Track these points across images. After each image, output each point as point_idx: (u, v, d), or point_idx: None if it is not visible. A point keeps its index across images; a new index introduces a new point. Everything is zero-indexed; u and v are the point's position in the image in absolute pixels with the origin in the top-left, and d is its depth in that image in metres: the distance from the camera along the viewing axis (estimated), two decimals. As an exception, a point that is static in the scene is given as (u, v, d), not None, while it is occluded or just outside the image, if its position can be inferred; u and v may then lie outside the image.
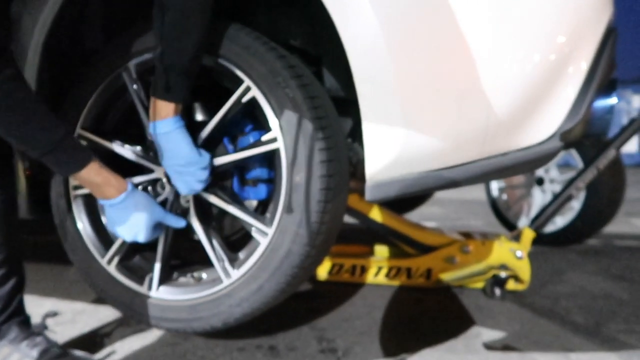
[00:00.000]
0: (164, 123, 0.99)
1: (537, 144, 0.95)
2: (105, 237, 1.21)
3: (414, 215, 2.89)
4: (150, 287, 1.14)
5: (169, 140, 1.00)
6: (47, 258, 2.19)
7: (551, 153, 0.93)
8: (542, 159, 0.93)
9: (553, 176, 2.47)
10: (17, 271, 1.11)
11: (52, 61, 1.20)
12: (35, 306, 1.54)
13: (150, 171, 1.15)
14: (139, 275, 1.17)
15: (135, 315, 1.16)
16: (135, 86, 1.11)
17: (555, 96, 0.98)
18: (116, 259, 1.17)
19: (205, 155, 1.03)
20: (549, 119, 0.97)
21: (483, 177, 0.95)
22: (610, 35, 1.12)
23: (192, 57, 0.97)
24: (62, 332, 1.32)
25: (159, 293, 1.14)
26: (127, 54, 1.11)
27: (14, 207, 1.13)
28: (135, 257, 1.21)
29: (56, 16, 1.14)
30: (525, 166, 0.95)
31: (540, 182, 2.50)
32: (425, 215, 3.41)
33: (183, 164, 1.00)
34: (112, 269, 1.18)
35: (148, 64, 1.09)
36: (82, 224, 1.20)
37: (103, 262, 1.18)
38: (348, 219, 1.76)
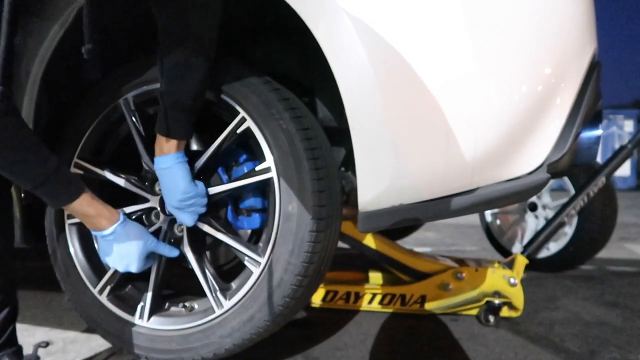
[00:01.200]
0: (165, 159, 1.01)
1: (524, 175, 0.97)
2: (97, 266, 1.21)
3: (408, 240, 2.90)
4: (141, 317, 1.14)
5: (168, 175, 1.02)
6: (39, 286, 2.17)
7: (539, 184, 0.94)
8: (530, 190, 0.95)
9: (546, 202, 2.50)
10: (11, 301, 1.11)
11: (50, 93, 1.22)
12: (27, 335, 1.52)
13: (146, 200, 1.16)
14: (130, 304, 1.17)
15: (124, 345, 1.16)
16: (133, 117, 1.14)
17: (542, 128, 1.00)
18: (108, 289, 1.18)
19: (201, 186, 1.05)
20: (536, 151, 0.99)
21: (472, 208, 0.97)
22: (594, 67, 1.16)
23: (196, 95, 0.99)
24: (53, 362, 1.31)
25: (150, 323, 1.13)
26: (126, 86, 1.13)
27: (10, 236, 1.13)
28: (127, 286, 1.22)
29: (55, 49, 1.16)
30: (513, 197, 0.96)
31: (533, 207, 2.52)
32: (420, 241, 3.41)
33: (181, 198, 1.02)
34: (103, 299, 1.18)
35: (146, 96, 1.12)
36: (75, 253, 1.20)
37: (95, 291, 1.18)
38: (342, 245, 1.76)
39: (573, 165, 1.20)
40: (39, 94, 1.18)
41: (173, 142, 1.01)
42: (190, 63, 0.95)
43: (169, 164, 1.01)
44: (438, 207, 0.96)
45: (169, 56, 0.95)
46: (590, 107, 1.15)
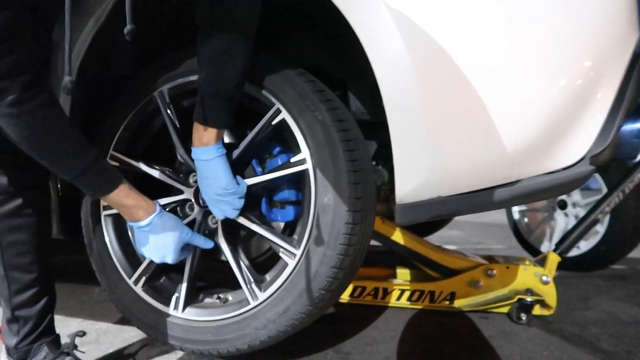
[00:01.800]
0: (206, 150, 1.01)
1: (566, 167, 0.94)
2: (132, 257, 1.22)
3: (433, 239, 2.87)
4: (176, 308, 1.15)
5: (209, 168, 1.02)
6: (69, 278, 2.21)
7: (582, 177, 0.92)
8: (574, 183, 0.93)
9: (576, 200, 2.44)
10: (49, 291, 1.13)
11: (84, 87, 1.24)
12: (61, 326, 1.54)
13: (180, 192, 1.16)
14: (165, 295, 1.18)
15: (160, 336, 1.17)
16: (168, 109, 1.14)
17: (584, 120, 0.97)
18: (143, 279, 1.19)
19: (243, 185, 1.04)
20: (578, 143, 0.97)
21: (512, 201, 0.95)
22: (637, 59, 1.13)
23: (238, 84, 0.99)
24: (87, 352, 1.33)
25: (185, 314, 1.14)
26: (161, 79, 1.14)
27: (48, 228, 1.15)
28: (161, 277, 1.23)
29: (90, 44, 1.18)
30: (556, 190, 0.94)
31: (562, 205, 2.47)
32: (445, 239, 3.38)
33: (220, 192, 1.02)
34: (138, 289, 1.19)
35: (181, 88, 1.13)
36: (111, 244, 1.22)
37: (130, 282, 1.19)
38: (370, 241, 1.75)
39: (614, 159, 1.17)
40: (75, 88, 1.20)
41: (213, 132, 1.00)
42: (232, 50, 0.95)
43: (210, 156, 1.01)
44: (477, 200, 0.95)
45: (211, 43, 0.94)
46: (633, 99, 1.12)
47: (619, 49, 1.04)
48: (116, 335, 1.47)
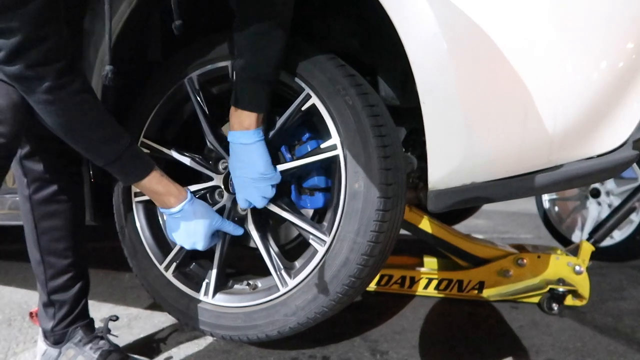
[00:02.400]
0: (246, 135, 1.00)
1: (608, 152, 0.91)
2: (163, 243, 1.24)
3: (459, 228, 2.83)
4: (206, 294, 1.16)
5: (248, 153, 1.01)
6: (103, 264, 2.26)
7: (626, 161, 0.89)
8: (617, 168, 0.89)
9: (609, 188, 2.37)
10: (83, 275, 1.15)
11: (116, 72, 1.24)
12: (94, 311, 1.57)
13: (209, 179, 1.17)
14: (195, 281, 1.19)
15: (190, 321, 1.18)
16: (197, 96, 1.14)
17: (626, 103, 0.94)
18: (174, 265, 1.20)
19: (278, 173, 1.03)
20: (620, 127, 0.93)
21: (550, 187, 0.92)
22: (682, 40, 1.07)
23: (277, 67, 0.99)
24: (119, 337, 1.35)
25: (215, 300, 1.15)
26: (191, 65, 1.14)
27: (82, 214, 1.17)
28: (191, 263, 1.23)
29: (121, 30, 1.18)
30: (596, 176, 0.91)
31: (595, 194, 2.40)
32: (471, 228, 3.33)
33: (256, 177, 1.01)
34: (169, 275, 1.20)
35: (210, 75, 1.13)
36: (142, 230, 1.23)
37: (161, 268, 1.20)
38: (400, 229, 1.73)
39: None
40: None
41: (253, 116, 1.00)
42: (273, 33, 0.94)
43: (251, 140, 1.00)
44: (514, 186, 0.92)
45: (250, 28, 0.93)
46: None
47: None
48: (147, 321, 1.50)
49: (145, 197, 1.19)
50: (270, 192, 1.03)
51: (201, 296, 1.15)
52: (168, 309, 1.21)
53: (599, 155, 0.90)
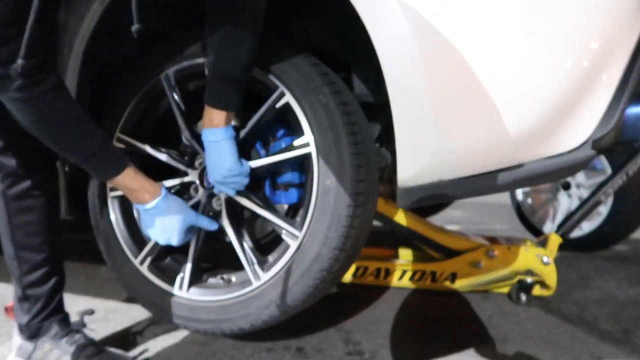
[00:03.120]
0: (215, 132, 1.02)
1: (568, 151, 0.95)
2: (138, 238, 1.24)
3: (437, 219, 2.88)
4: (180, 287, 1.17)
5: (216, 150, 1.03)
6: (80, 257, 2.25)
7: (584, 161, 0.92)
8: (575, 167, 0.93)
9: (580, 181, 2.44)
10: (58, 270, 1.16)
11: (91, 69, 1.24)
12: (71, 304, 1.57)
13: (185, 174, 1.18)
14: (170, 275, 1.20)
15: (165, 314, 1.19)
16: (173, 92, 1.15)
17: (587, 103, 0.97)
18: (148, 260, 1.21)
19: (246, 165, 1.06)
20: (581, 127, 0.97)
21: (514, 185, 0.96)
22: (643, 41, 1.12)
23: (246, 66, 1.00)
24: (96, 330, 1.36)
25: (189, 294, 1.16)
26: (167, 62, 1.15)
27: (57, 208, 1.17)
28: (166, 258, 1.24)
29: (96, 26, 1.18)
30: (557, 174, 0.95)
31: (566, 186, 2.47)
32: (448, 219, 3.39)
33: (225, 174, 1.03)
34: (144, 269, 1.21)
35: (186, 71, 1.13)
36: (117, 225, 1.24)
37: (136, 262, 1.21)
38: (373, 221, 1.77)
39: (617, 142, 1.17)
40: (81, 70, 1.20)
41: (222, 115, 1.01)
42: (241, 33, 0.95)
43: (218, 138, 1.02)
44: (479, 183, 0.95)
45: (219, 26, 0.94)
46: (638, 82, 1.11)
47: (625, 31, 1.03)
48: (124, 314, 1.51)
49: (121, 192, 1.20)
50: (245, 181, 1.05)
51: (175, 290, 1.17)
52: (142, 303, 1.22)
53: (559, 154, 0.94)
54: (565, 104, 0.95)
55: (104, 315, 1.50)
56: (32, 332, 1.13)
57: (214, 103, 1.01)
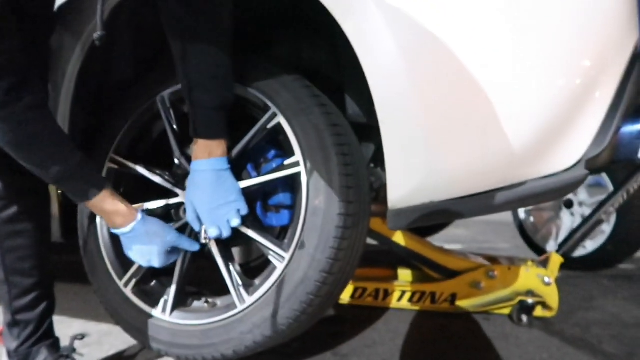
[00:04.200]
0: (220, 161, 1.03)
1: (562, 171, 0.93)
2: (124, 260, 1.22)
3: (439, 238, 2.86)
4: (164, 311, 1.14)
5: (222, 177, 1.03)
6: (75, 279, 2.24)
7: (577, 181, 0.91)
8: (568, 187, 0.92)
9: (582, 199, 2.42)
10: (48, 295, 1.15)
11: (85, 91, 1.25)
12: (64, 327, 1.57)
13: (176, 195, 1.17)
14: (154, 299, 1.18)
15: (146, 340, 1.16)
16: (168, 115, 1.16)
17: (581, 122, 0.96)
18: (133, 282, 1.19)
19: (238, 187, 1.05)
20: (574, 146, 0.95)
21: (506, 206, 0.94)
22: (637, 59, 1.11)
23: (219, 94, 1.00)
24: (89, 354, 1.34)
25: (172, 317, 1.13)
26: (163, 84, 1.15)
27: (48, 232, 1.17)
28: (152, 280, 1.22)
29: (89, 49, 1.19)
30: (550, 194, 0.93)
31: (569, 204, 2.45)
32: (451, 238, 3.36)
33: (236, 198, 1.03)
34: (128, 292, 1.19)
35: (181, 94, 1.14)
36: (104, 246, 1.22)
37: (120, 284, 1.19)
38: (371, 242, 1.75)
39: (613, 161, 1.16)
40: (75, 93, 1.21)
41: (223, 143, 1.02)
42: (229, 58, 0.96)
43: (224, 166, 1.02)
44: (471, 205, 0.94)
45: (207, 58, 0.95)
46: (632, 100, 1.10)
47: (618, 49, 1.02)
48: (117, 337, 1.49)
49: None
50: (238, 216, 1.02)
51: (158, 313, 1.14)
52: (124, 326, 1.19)
53: (553, 174, 0.93)
54: (558, 123, 0.94)
55: (98, 338, 1.48)
56: (20, 358, 1.11)
57: (215, 135, 1.01)
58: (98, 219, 1.23)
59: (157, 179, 1.18)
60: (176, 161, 1.17)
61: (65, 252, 2.69)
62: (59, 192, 1.26)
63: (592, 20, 0.97)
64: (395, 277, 1.86)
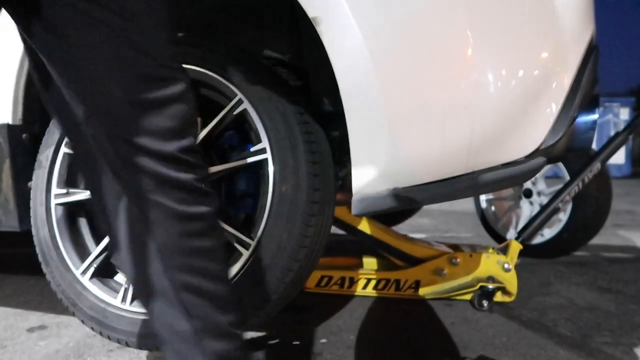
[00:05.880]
0: None
1: (520, 159, 0.96)
2: (81, 248, 1.20)
3: (403, 227, 2.90)
4: (124, 300, 1.12)
5: None
6: (31, 271, 2.16)
7: (534, 168, 0.94)
8: (526, 174, 0.94)
9: (541, 188, 2.50)
10: None
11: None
12: (20, 320, 1.52)
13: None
14: (113, 288, 1.15)
15: (104, 330, 1.13)
16: None
17: (538, 112, 0.99)
18: (91, 270, 1.16)
19: None
20: (532, 135, 0.98)
21: (467, 192, 0.96)
22: (592, 51, 1.15)
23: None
24: (47, 345, 1.31)
25: (133, 306, 1.11)
26: None
27: None
28: (110, 268, 1.19)
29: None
30: (508, 181, 0.96)
31: (528, 194, 2.52)
32: (415, 227, 3.42)
33: None
34: (85, 281, 1.15)
35: None
36: (60, 234, 1.18)
37: (77, 273, 1.16)
38: (336, 230, 1.76)
39: (569, 150, 1.20)
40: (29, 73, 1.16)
41: None
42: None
43: None
44: (433, 191, 0.96)
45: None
46: (587, 91, 1.14)
47: (574, 40, 1.06)
48: (77, 329, 1.45)
49: (65, 199, 1.16)
50: None
51: (118, 303, 1.12)
52: (81, 317, 1.15)
53: (511, 162, 0.95)
54: (515, 113, 0.97)
55: (57, 331, 1.44)
56: None
57: None
58: (52, 206, 1.18)
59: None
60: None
61: (20, 243, 2.60)
62: (13, 178, 1.21)
63: (549, 12, 1.00)
64: (360, 265, 1.88)
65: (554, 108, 1.00)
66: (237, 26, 1.29)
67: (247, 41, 1.28)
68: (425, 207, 3.96)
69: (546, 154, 0.98)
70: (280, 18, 1.20)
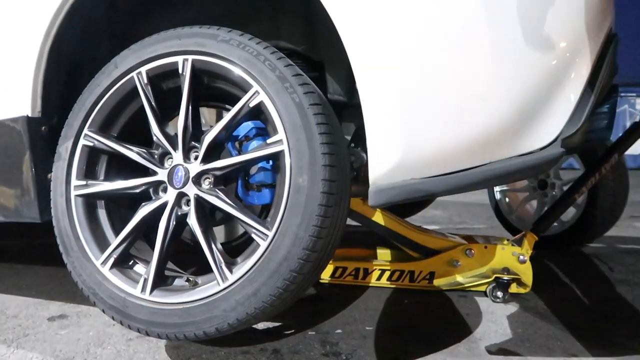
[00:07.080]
0: None
1: (538, 149, 0.95)
2: (101, 239, 1.21)
3: (416, 218, 2.90)
4: (143, 290, 1.12)
5: None
6: (49, 261, 2.20)
7: (553, 159, 0.93)
8: (544, 165, 0.94)
9: (555, 180, 2.47)
10: None
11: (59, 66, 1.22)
12: (42, 309, 1.55)
13: (154, 173, 1.16)
14: (133, 277, 1.16)
15: (124, 319, 1.13)
16: (145, 91, 1.14)
17: (557, 102, 0.98)
18: (111, 261, 1.17)
19: None
20: (551, 125, 0.97)
21: (485, 183, 0.96)
22: (611, 40, 1.13)
23: None
24: (67, 334, 1.33)
25: (152, 296, 1.11)
26: (140, 60, 1.13)
27: None
28: (130, 259, 1.21)
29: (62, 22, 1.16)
30: (526, 172, 0.95)
31: (542, 185, 2.50)
32: (428, 219, 3.41)
33: None
34: (105, 271, 1.16)
35: (159, 70, 1.12)
36: (80, 225, 1.20)
37: (97, 263, 1.17)
38: (351, 222, 1.76)
39: (587, 141, 1.19)
40: (47, 66, 1.18)
41: None
42: None
43: None
44: (450, 182, 0.95)
45: None
46: (606, 81, 1.12)
47: (593, 30, 1.04)
48: (96, 318, 1.48)
49: (85, 191, 1.18)
50: None
51: (138, 292, 1.12)
52: (102, 306, 1.16)
53: (529, 153, 0.95)
54: (533, 103, 0.96)
55: (76, 320, 1.47)
56: None
57: None
58: (72, 198, 1.20)
59: (134, 156, 1.17)
60: (155, 139, 1.15)
61: (38, 235, 2.65)
62: (33, 170, 1.23)
63: (568, 1, 0.99)
64: (374, 256, 1.89)
65: (573, 98, 0.99)
66: (251, 16, 1.30)
67: (262, 32, 1.28)
68: (438, 199, 3.95)
69: (565, 144, 0.97)
70: (295, 8, 1.20)
